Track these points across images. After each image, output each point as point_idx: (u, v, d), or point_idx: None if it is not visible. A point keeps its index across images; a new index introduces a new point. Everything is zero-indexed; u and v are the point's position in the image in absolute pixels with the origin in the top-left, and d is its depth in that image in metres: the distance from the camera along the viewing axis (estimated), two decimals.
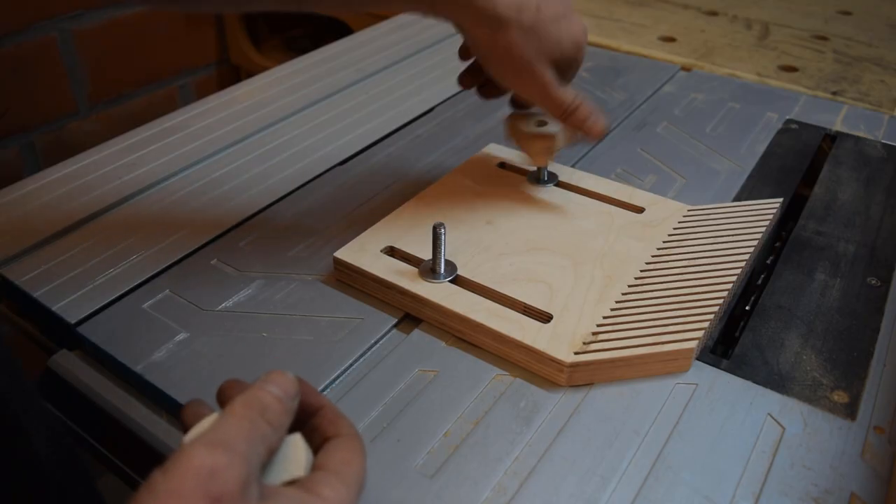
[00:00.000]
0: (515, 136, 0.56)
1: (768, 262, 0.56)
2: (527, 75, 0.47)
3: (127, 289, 0.48)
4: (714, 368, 0.43)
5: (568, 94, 0.49)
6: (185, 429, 0.31)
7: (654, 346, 0.42)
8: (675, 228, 0.52)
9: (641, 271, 0.47)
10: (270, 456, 0.29)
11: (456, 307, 0.44)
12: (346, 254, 0.48)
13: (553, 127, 0.54)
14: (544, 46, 0.46)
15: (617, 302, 0.45)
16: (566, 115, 0.49)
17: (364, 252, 0.48)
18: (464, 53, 0.53)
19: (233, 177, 0.61)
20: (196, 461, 0.26)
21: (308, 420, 0.32)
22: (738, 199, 0.58)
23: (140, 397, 0.43)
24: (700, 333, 0.43)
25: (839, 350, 0.44)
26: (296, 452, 0.30)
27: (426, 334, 0.45)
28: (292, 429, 0.31)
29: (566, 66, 0.49)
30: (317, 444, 0.31)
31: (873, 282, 0.50)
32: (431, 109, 0.72)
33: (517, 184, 0.56)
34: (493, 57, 0.47)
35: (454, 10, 0.45)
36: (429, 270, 0.47)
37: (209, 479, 0.25)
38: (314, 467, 0.30)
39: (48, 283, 0.49)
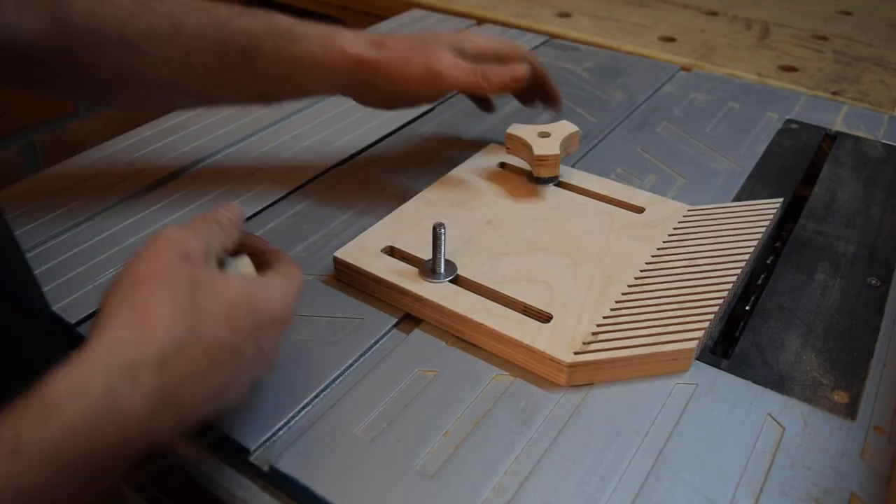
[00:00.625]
0: (517, 152, 0.56)
1: (768, 262, 0.56)
2: (432, 69, 0.52)
3: None
4: (714, 368, 0.43)
5: (471, 64, 0.53)
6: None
7: (654, 347, 0.42)
8: (675, 228, 0.52)
9: (641, 271, 0.47)
10: (223, 254, 0.37)
11: (456, 307, 0.44)
12: (347, 254, 0.48)
13: (554, 142, 0.54)
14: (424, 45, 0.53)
15: (617, 302, 0.45)
16: (478, 81, 0.53)
17: (364, 252, 0.48)
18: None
19: (233, 177, 0.61)
20: (168, 233, 0.34)
21: (259, 255, 0.40)
22: (738, 199, 0.58)
23: None
24: (700, 333, 0.43)
25: (839, 350, 0.44)
26: (245, 266, 0.39)
27: (426, 334, 0.45)
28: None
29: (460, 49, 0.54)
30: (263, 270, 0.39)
31: (873, 282, 0.50)
32: (431, 109, 0.72)
33: (517, 184, 0.56)
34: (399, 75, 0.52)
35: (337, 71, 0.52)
36: (429, 270, 0.47)
37: (179, 243, 0.34)
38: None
39: (48, 283, 0.49)
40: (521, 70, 0.53)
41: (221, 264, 0.37)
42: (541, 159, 0.54)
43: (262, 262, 0.40)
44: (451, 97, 0.74)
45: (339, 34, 0.53)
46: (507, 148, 0.57)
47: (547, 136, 0.55)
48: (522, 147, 0.56)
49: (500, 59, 0.55)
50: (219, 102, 0.59)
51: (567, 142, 0.56)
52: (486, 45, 0.55)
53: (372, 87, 0.53)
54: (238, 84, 0.52)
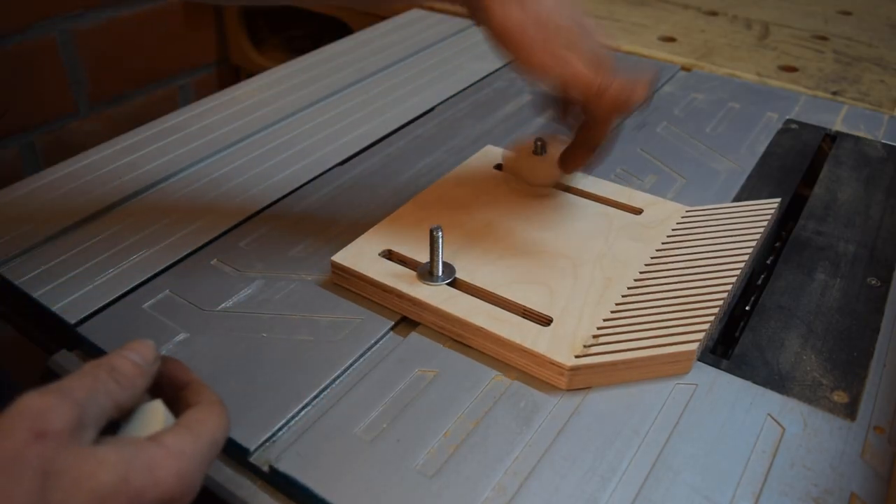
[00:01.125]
0: (517, 172, 0.57)
1: (768, 262, 0.56)
2: (550, 49, 0.43)
3: (127, 289, 0.48)
4: (714, 369, 0.43)
5: (599, 70, 0.45)
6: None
7: (655, 349, 0.42)
8: (673, 229, 0.52)
9: (641, 273, 0.47)
10: (119, 413, 0.30)
11: (454, 311, 0.44)
12: (344, 257, 0.48)
13: (553, 168, 0.55)
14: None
15: (617, 304, 0.45)
16: (597, 95, 0.45)
17: (361, 256, 0.48)
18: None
19: (233, 177, 0.61)
20: (26, 403, 0.27)
21: (178, 394, 0.33)
22: (738, 199, 0.58)
23: None
24: (701, 335, 0.43)
25: (839, 350, 0.44)
26: (154, 415, 0.31)
27: (426, 335, 0.45)
28: (167, 404, 0.32)
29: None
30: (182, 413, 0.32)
31: (873, 282, 0.50)
32: (431, 109, 0.72)
33: (515, 185, 0.56)
34: (505, 33, 0.43)
35: None
36: (427, 273, 0.47)
37: (36, 417, 0.26)
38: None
39: (48, 283, 0.49)
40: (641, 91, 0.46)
41: (115, 425, 0.31)
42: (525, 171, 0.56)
43: (179, 401, 0.33)
44: (451, 97, 0.74)
45: None
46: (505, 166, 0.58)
47: (542, 153, 0.55)
48: (518, 166, 0.57)
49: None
50: None
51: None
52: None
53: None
54: None
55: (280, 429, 0.39)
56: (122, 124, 0.93)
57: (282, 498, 0.37)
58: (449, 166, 0.60)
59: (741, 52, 0.85)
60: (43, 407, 0.27)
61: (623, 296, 0.45)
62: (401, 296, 0.46)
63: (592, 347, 0.42)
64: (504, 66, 0.81)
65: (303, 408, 0.40)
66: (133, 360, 0.31)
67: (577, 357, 0.41)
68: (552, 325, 0.43)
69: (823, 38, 0.90)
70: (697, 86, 0.77)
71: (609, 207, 0.54)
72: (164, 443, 0.29)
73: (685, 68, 0.82)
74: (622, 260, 0.48)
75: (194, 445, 0.30)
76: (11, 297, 0.49)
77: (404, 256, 0.49)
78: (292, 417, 0.40)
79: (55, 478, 0.26)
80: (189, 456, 0.29)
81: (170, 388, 0.33)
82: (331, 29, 1.08)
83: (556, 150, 0.56)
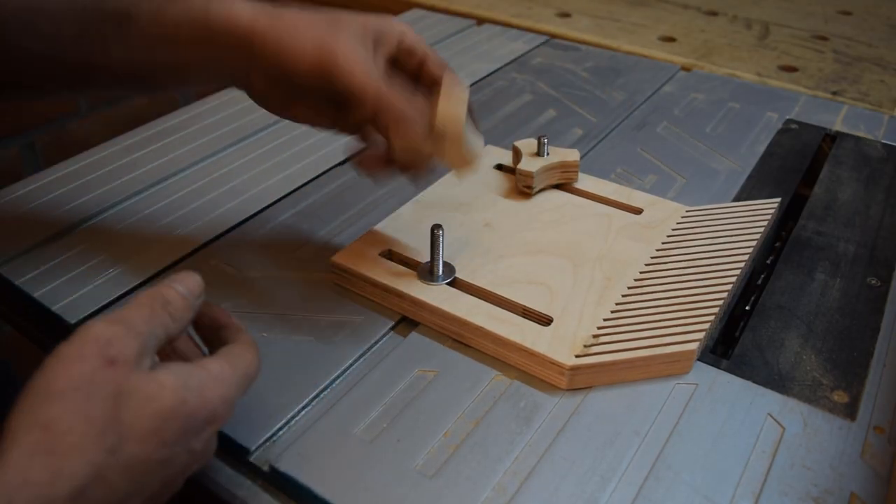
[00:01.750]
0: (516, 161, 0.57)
1: (768, 262, 0.56)
2: (327, 53, 0.39)
3: (127, 289, 0.48)
4: (714, 368, 0.43)
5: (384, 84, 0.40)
6: None
7: (655, 349, 0.42)
8: (673, 229, 0.52)
9: (641, 273, 0.47)
10: (169, 341, 0.33)
11: (455, 310, 0.44)
12: (344, 258, 0.48)
13: (537, 163, 0.55)
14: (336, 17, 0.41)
15: (617, 304, 0.45)
16: (376, 108, 0.41)
17: (361, 256, 0.48)
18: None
19: (233, 177, 0.61)
20: (95, 330, 0.30)
21: (217, 333, 0.37)
22: (738, 199, 0.58)
23: None
24: (701, 335, 0.43)
25: (839, 350, 0.44)
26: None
27: (426, 334, 0.45)
28: (204, 341, 0.37)
29: (378, 41, 0.42)
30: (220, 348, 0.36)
31: (873, 282, 0.50)
32: None
33: (514, 185, 0.56)
34: (279, 50, 0.40)
35: (227, 33, 0.41)
36: (427, 273, 0.47)
37: (106, 345, 0.30)
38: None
39: (48, 283, 0.49)
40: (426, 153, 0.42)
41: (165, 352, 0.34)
42: (520, 172, 0.55)
43: (217, 339, 0.37)
44: None
45: None
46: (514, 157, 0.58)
47: (542, 157, 0.56)
48: (517, 158, 0.57)
49: (424, 70, 0.45)
50: (93, 85, 0.49)
51: (556, 167, 0.56)
52: (416, 45, 0.45)
53: (258, 65, 0.42)
54: (109, 57, 0.44)
55: (280, 429, 0.39)
56: (122, 124, 0.93)
57: (282, 498, 0.37)
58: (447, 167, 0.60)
59: (741, 52, 0.85)
60: (111, 336, 0.30)
61: (623, 296, 0.45)
62: (401, 296, 0.46)
63: (592, 347, 0.42)
64: (504, 65, 0.81)
65: (303, 408, 0.40)
66: (182, 293, 0.34)
67: (577, 357, 0.41)
68: (552, 324, 0.43)
69: (823, 38, 0.90)
70: (697, 86, 0.77)
71: (609, 207, 0.54)
72: (210, 369, 0.33)
73: (685, 68, 0.82)
74: (622, 260, 0.48)
75: (234, 374, 0.34)
76: (11, 297, 0.49)
77: (404, 256, 0.49)
78: (292, 417, 0.40)
79: (125, 399, 0.29)
80: (229, 382, 0.33)
81: (211, 327, 0.37)
82: None
83: (554, 158, 0.56)
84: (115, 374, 0.29)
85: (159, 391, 0.30)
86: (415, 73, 0.45)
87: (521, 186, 0.55)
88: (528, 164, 0.55)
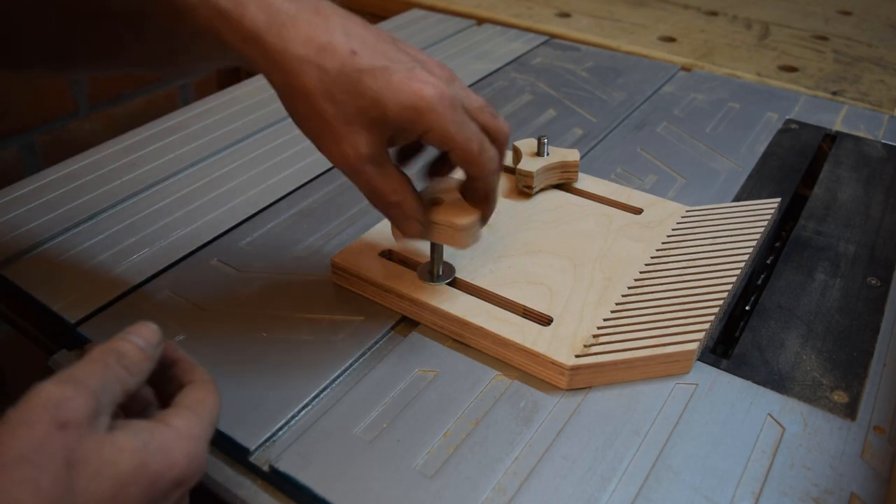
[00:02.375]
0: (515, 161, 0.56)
1: (768, 262, 0.56)
2: (329, 138, 0.36)
3: (127, 288, 0.48)
4: (714, 368, 0.43)
5: (389, 180, 0.38)
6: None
7: (654, 349, 0.42)
8: (673, 229, 0.52)
9: (641, 273, 0.47)
10: (126, 397, 0.31)
11: (455, 310, 0.44)
12: (344, 257, 0.48)
13: (537, 163, 0.54)
14: (356, 104, 0.35)
15: (617, 304, 0.45)
16: (378, 203, 0.39)
17: (361, 256, 0.48)
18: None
19: (233, 177, 0.61)
20: (44, 393, 0.28)
21: (166, 371, 0.34)
22: (738, 199, 0.58)
23: None
24: (701, 335, 0.43)
25: (839, 350, 0.44)
26: None
27: (426, 334, 0.45)
28: (150, 381, 0.33)
29: (398, 134, 0.38)
30: (174, 392, 0.33)
31: (873, 282, 0.50)
32: None
33: (515, 185, 0.56)
34: (290, 108, 0.37)
35: (243, 44, 0.35)
36: (427, 273, 0.46)
37: (56, 407, 0.27)
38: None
39: (48, 283, 0.49)
40: (413, 231, 0.41)
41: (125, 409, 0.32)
42: (518, 171, 0.55)
43: (169, 378, 0.34)
44: None
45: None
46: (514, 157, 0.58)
47: (541, 157, 0.56)
48: (517, 158, 0.57)
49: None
50: (109, 68, 0.49)
51: (556, 167, 0.56)
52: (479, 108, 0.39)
53: None
54: (126, 52, 0.43)
55: (280, 429, 0.39)
56: (122, 124, 0.93)
57: (282, 498, 0.37)
58: None
59: (741, 52, 0.85)
60: (61, 397, 0.27)
61: (623, 296, 0.45)
62: (401, 296, 0.46)
63: (592, 347, 0.42)
64: (504, 66, 0.81)
65: (303, 408, 0.40)
66: (138, 344, 0.32)
67: (577, 357, 0.41)
68: (552, 324, 0.43)
69: (823, 38, 0.90)
70: (697, 86, 0.77)
71: (609, 207, 0.54)
72: (174, 425, 0.30)
73: (685, 68, 0.82)
74: (622, 259, 0.48)
75: (200, 426, 0.31)
76: (11, 297, 0.49)
77: (404, 256, 0.49)
78: (292, 417, 0.40)
79: (79, 466, 0.27)
80: (197, 437, 0.30)
81: (162, 363, 0.34)
82: None
83: (554, 158, 0.56)
84: (67, 439, 0.27)
85: (117, 455, 0.27)
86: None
87: (521, 186, 0.55)
88: (528, 164, 0.55)
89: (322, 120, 0.36)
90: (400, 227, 0.41)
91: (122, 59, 0.44)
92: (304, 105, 0.36)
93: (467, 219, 0.41)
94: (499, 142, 0.40)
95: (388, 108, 0.35)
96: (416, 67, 0.36)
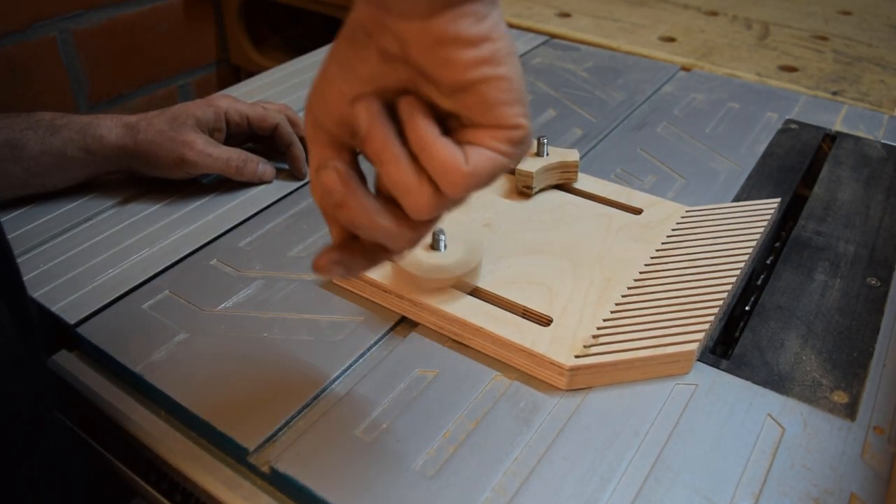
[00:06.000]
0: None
1: (768, 262, 0.56)
2: (181, 156, 0.55)
3: (127, 289, 0.48)
4: (714, 369, 0.43)
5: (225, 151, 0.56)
6: None
7: (654, 349, 0.42)
8: (673, 230, 0.52)
9: (641, 273, 0.47)
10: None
11: (454, 311, 0.44)
12: None
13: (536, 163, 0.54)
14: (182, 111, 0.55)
15: (617, 304, 0.45)
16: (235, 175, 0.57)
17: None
18: None
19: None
20: None
21: None
22: (737, 199, 0.58)
23: (139, 398, 0.43)
24: (701, 335, 0.43)
25: (839, 350, 0.44)
26: None
27: (426, 335, 0.45)
28: None
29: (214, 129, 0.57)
30: None
31: (873, 282, 0.50)
32: None
33: (514, 185, 0.56)
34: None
35: None
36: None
37: None
38: None
39: (48, 283, 0.49)
40: (269, 172, 0.59)
41: None
42: (517, 171, 0.55)
43: None
44: None
45: (97, 123, 0.54)
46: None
47: (541, 157, 0.56)
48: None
49: (258, 126, 0.59)
50: None
51: (555, 167, 0.56)
52: (241, 113, 0.58)
53: (139, 168, 0.56)
54: (11, 177, 0.54)
55: (280, 429, 0.39)
56: None
57: (281, 498, 0.37)
58: None
59: (741, 52, 0.85)
60: None
61: (623, 296, 0.45)
62: (401, 296, 0.46)
63: (592, 347, 0.42)
64: None
65: (303, 408, 0.40)
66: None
67: (576, 357, 0.41)
68: (552, 325, 0.43)
69: (823, 38, 0.90)
70: (697, 86, 0.77)
71: (609, 207, 0.54)
72: None
73: (685, 68, 0.82)
74: (622, 260, 0.48)
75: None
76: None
77: None
78: (292, 418, 0.40)
79: None
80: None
81: None
82: (331, 29, 1.08)
83: (554, 158, 0.56)
84: None
85: None
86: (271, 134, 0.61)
87: (521, 187, 0.55)
88: (528, 165, 0.55)
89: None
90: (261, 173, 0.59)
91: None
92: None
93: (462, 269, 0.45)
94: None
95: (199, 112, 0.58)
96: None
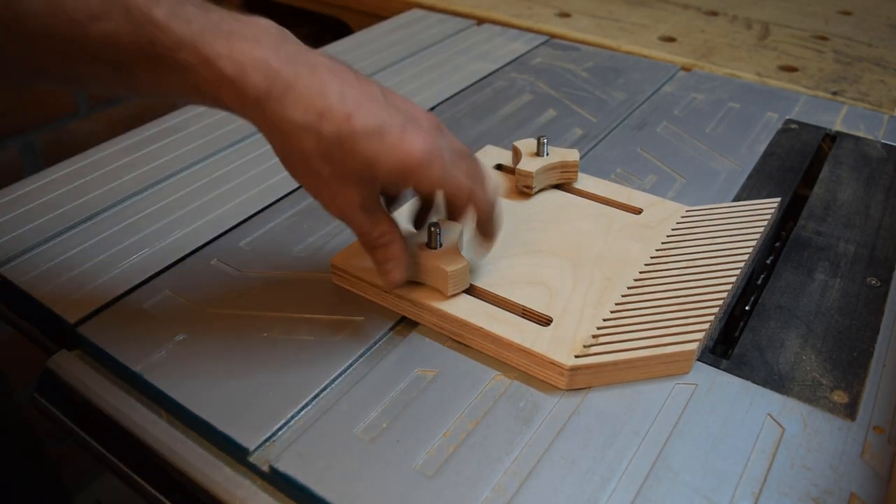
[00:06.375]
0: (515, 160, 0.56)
1: (768, 262, 0.56)
2: (326, 194, 0.39)
3: (127, 289, 0.48)
4: (714, 368, 0.43)
5: (378, 225, 0.41)
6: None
7: (654, 349, 0.42)
8: (673, 229, 0.52)
9: (641, 273, 0.47)
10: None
11: (454, 311, 0.44)
12: (344, 258, 0.48)
13: (538, 162, 0.54)
14: (351, 165, 0.38)
15: (617, 304, 0.45)
16: (367, 246, 0.43)
17: (361, 256, 0.48)
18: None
19: (233, 177, 0.61)
20: None
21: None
22: (737, 199, 0.58)
23: (140, 398, 0.43)
24: (701, 335, 0.43)
25: (839, 350, 0.44)
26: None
27: (425, 335, 0.45)
28: None
29: (391, 188, 0.44)
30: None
31: (873, 282, 0.50)
32: (431, 109, 0.72)
33: (514, 185, 0.56)
34: (289, 167, 0.39)
35: (243, 108, 0.37)
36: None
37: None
38: None
39: (48, 283, 0.49)
40: (398, 280, 0.44)
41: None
42: (519, 172, 0.55)
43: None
44: (451, 97, 0.74)
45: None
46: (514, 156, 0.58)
47: (541, 157, 0.56)
48: (517, 158, 0.56)
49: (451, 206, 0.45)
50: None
51: (552, 165, 0.56)
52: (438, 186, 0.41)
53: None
54: (101, 88, 0.40)
55: (280, 429, 0.39)
56: (122, 124, 0.93)
57: (282, 498, 0.37)
58: None
59: (741, 52, 0.85)
60: None
61: (623, 296, 0.45)
62: (400, 296, 0.46)
63: (592, 347, 0.42)
64: (504, 66, 0.81)
65: (303, 408, 0.40)
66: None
67: (576, 357, 0.41)
68: (552, 325, 0.43)
69: (823, 38, 0.90)
70: (697, 86, 0.77)
71: (609, 207, 0.54)
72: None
73: (685, 68, 0.82)
74: (622, 260, 0.48)
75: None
76: (11, 297, 0.49)
77: None
78: (292, 417, 0.40)
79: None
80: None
81: None
82: (331, 29, 1.08)
83: (554, 157, 0.56)
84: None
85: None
86: None
87: (521, 186, 0.55)
88: (528, 164, 0.55)
89: (319, 178, 0.39)
90: (384, 270, 0.43)
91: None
92: (302, 165, 0.38)
93: (454, 265, 0.44)
94: (481, 182, 0.43)
95: (381, 168, 0.38)
96: (406, 126, 0.38)
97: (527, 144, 0.57)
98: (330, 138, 0.37)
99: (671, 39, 0.89)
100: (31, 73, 0.38)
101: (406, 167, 0.38)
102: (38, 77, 0.39)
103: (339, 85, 0.38)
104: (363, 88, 0.39)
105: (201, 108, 0.71)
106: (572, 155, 0.56)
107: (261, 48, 0.37)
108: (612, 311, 0.44)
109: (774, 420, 0.40)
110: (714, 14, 0.97)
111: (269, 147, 0.64)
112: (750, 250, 0.49)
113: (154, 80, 0.37)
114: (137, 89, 0.38)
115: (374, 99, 0.38)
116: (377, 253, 0.43)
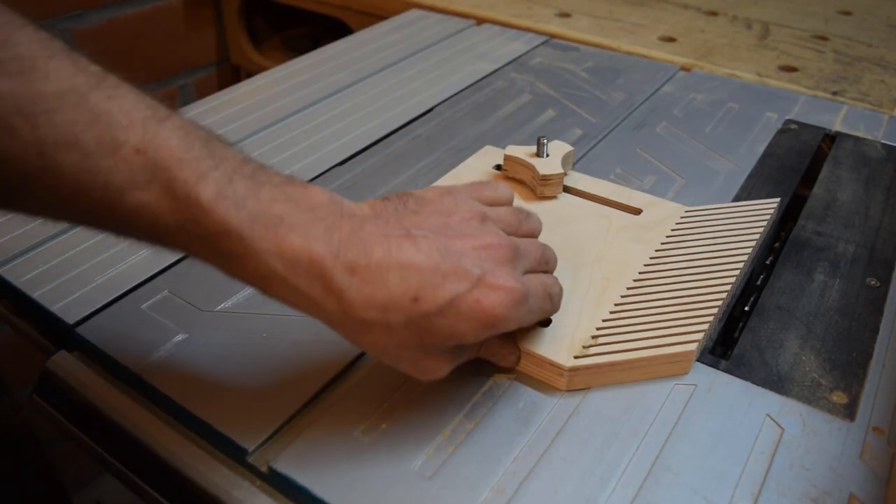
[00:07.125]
0: (516, 173, 0.56)
1: (767, 262, 0.56)
2: (411, 368, 0.37)
3: (126, 289, 0.48)
4: (713, 369, 0.43)
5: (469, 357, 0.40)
6: None
7: (654, 349, 0.42)
8: (673, 230, 0.52)
9: (640, 273, 0.47)
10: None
11: None
12: None
13: (555, 161, 0.55)
14: (431, 341, 0.35)
15: (616, 305, 0.45)
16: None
17: None
18: None
19: None
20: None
21: None
22: (737, 199, 0.58)
23: (139, 398, 0.43)
24: (700, 335, 0.43)
25: (838, 351, 0.44)
26: None
27: None
28: None
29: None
30: None
31: (873, 282, 0.50)
32: (431, 109, 0.72)
33: (514, 186, 0.56)
34: (365, 349, 0.37)
35: (297, 304, 0.34)
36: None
37: None
38: None
39: (47, 283, 0.49)
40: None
41: None
42: (546, 179, 0.54)
43: None
44: (450, 97, 0.74)
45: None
46: (505, 169, 0.57)
47: (544, 156, 0.56)
48: (522, 168, 0.56)
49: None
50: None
51: (565, 160, 0.56)
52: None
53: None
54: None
55: (279, 429, 0.39)
56: None
57: (280, 498, 0.37)
58: (449, 166, 0.60)
59: (741, 52, 0.85)
60: None
61: (622, 296, 0.45)
62: None
63: (591, 348, 0.42)
64: (503, 66, 0.81)
65: (302, 408, 0.40)
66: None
67: (575, 358, 0.41)
68: (551, 325, 0.43)
69: (823, 38, 0.90)
70: (697, 86, 0.77)
71: (608, 208, 0.54)
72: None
73: (685, 68, 0.81)
74: (621, 260, 0.48)
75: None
76: (11, 298, 0.49)
77: None
78: (291, 418, 0.40)
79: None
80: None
81: None
82: (331, 29, 1.08)
83: (558, 153, 0.56)
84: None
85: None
86: None
87: (547, 194, 0.55)
88: (548, 167, 0.54)
89: (399, 359, 0.36)
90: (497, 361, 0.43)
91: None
92: (379, 353, 0.36)
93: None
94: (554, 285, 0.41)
95: (466, 337, 0.35)
96: (478, 283, 0.35)
97: (520, 150, 0.56)
98: (401, 327, 0.34)
99: (671, 39, 0.89)
100: (60, 220, 0.36)
101: (492, 325, 0.35)
102: (67, 222, 0.37)
103: (396, 264, 0.34)
104: (419, 247, 0.35)
105: (201, 108, 0.71)
106: (565, 147, 0.56)
107: (312, 242, 0.33)
108: (611, 312, 0.44)
109: (774, 421, 0.40)
110: (714, 14, 0.97)
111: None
112: (749, 251, 0.49)
113: (194, 252, 0.35)
114: (176, 251, 0.36)
115: (434, 261, 0.34)
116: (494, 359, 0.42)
